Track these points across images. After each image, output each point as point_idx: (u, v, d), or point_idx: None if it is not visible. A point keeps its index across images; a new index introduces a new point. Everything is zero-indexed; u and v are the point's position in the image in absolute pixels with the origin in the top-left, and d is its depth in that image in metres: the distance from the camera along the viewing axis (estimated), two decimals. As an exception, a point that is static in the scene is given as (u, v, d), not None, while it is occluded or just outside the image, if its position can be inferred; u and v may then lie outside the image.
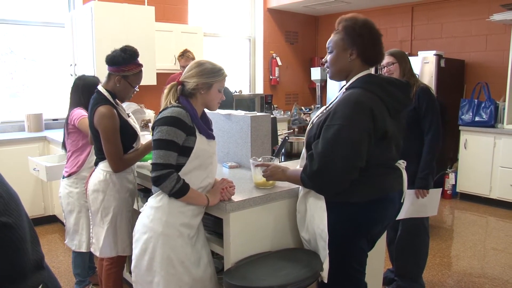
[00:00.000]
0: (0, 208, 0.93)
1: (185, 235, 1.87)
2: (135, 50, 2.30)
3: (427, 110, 2.62)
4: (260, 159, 2.12)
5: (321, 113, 1.83)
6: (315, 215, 1.81)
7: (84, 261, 2.89)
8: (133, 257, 1.92)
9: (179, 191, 1.79)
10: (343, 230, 1.78)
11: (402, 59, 2.70)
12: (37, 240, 1.06)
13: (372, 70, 1.96)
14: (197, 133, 1.87)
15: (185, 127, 1.81)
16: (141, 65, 2.33)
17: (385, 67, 2.70)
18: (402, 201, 1.90)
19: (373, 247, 1.96)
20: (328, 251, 1.77)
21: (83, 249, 2.74)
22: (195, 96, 1.91)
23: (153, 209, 1.86)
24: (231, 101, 4.23)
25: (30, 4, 4.68)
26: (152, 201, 1.89)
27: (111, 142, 2.21)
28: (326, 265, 1.79)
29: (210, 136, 1.94)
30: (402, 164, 1.90)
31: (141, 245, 1.87)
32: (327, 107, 1.82)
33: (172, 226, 1.84)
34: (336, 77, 1.87)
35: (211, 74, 1.89)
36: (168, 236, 1.83)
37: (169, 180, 1.76)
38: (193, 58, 4.39)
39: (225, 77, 1.95)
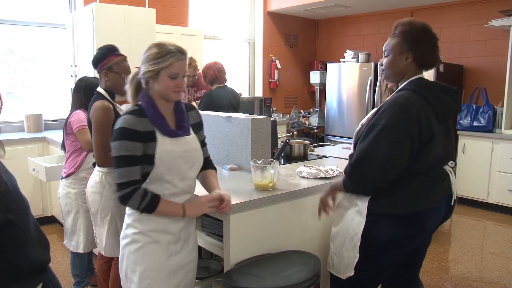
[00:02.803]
0: (8, 205, 0.95)
1: (163, 242, 1.73)
2: (111, 46, 2.38)
3: None
4: (260, 162, 2.13)
5: (371, 115, 1.84)
6: (355, 219, 1.81)
7: (83, 262, 2.89)
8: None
9: (148, 207, 1.65)
10: (376, 241, 1.77)
11: None
12: (45, 244, 1.08)
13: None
14: (158, 135, 1.67)
15: (137, 136, 1.62)
16: (121, 55, 2.38)
17: None
18: (452, 203, 1.88)
19: (421, 256, 2.00)
20: (358, 255, 1.78)
21: (81, 250, 2.74)
22: (149, 86, 1.70)
23: (127, 216, 1.78)
24: (229, 104, 3.95)
25: (31, 5, 4.68)
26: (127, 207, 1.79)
27: (100, 133, 2.21)
28: (348, 268, 1.81)
29: (174, 134, 1.70)
30: (450, 165, 1.88)
31: (120, 251, 1.80)
32: (376, 109, 1.84)
33: (143, 233, 1.72)
34: (391, 79, 1.90)
35: (155, 60, 1.63)
36: (139, 242, 1.72)
37: (134, 197, 1.62)
38: (195, 67, 4.36)
39: (177, 60, 1.63)
